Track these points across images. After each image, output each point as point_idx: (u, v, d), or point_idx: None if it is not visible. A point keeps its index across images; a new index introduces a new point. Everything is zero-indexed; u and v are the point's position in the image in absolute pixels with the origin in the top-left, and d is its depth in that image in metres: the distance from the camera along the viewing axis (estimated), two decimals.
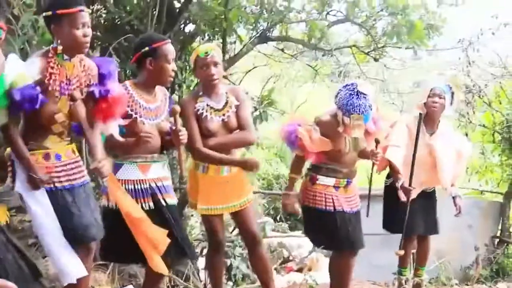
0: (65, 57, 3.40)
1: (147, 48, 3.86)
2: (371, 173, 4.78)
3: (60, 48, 3.36)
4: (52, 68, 3.36)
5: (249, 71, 8.46)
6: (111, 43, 5.68)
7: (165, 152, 4.18)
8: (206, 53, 4.20)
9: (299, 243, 8.69)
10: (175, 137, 3.90)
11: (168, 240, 3.77)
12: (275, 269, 8.46)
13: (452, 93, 5.17)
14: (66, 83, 3.41)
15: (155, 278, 4.04)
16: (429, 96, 5.11)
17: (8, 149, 3.42)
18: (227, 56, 7.41)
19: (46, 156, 3.43)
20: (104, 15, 6.33)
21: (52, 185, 3.40)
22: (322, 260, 8.57)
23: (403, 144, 4.98)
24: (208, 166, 4.32)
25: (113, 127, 3.70)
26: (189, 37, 7.19)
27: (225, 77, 8.18)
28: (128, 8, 6.15)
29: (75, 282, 3.41)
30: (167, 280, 5.51)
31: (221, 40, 7.01)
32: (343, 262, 4.69)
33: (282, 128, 4.59)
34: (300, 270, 8.33)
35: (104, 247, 3.86)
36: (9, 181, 3.40)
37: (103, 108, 3.56)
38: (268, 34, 7.62)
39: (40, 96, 3.26)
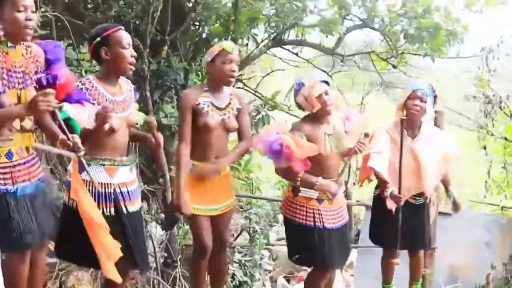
0: (10, 44, 3.29)
1: (99, 38, 3.71)
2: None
3: (1, 34, 3.24)
4: None
5: (267, 75, 8.35)
6: None
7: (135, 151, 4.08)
8: (233, 48, 4.13)
9: None
10: (155, 144, 3.86)
11: (120, 253, 3.62)
12: (286, 278, 8.33)
13: (435, 97, 4.89)
14: (13, 72, 3.29)
15: (112, 285, 3.90)
16: (409, 98, 4.82)
17: None
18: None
19: None
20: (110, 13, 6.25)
21: None
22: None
23: (385, 151, 4.73)
24: (196, 165, 4.21)
25: (87, 120, 3.58)
26: (205, 40, 7.12)
27: (238, 79, 8.14)
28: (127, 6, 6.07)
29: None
30: (152, 282, 5.41)
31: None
32: (315, 279, 4.50)
33: (260, 140, 4.26)
34: None
35: (59, 245, 3.77)
36: None
37: None
38: (282, 38, 7.47)
39: None
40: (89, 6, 6.50)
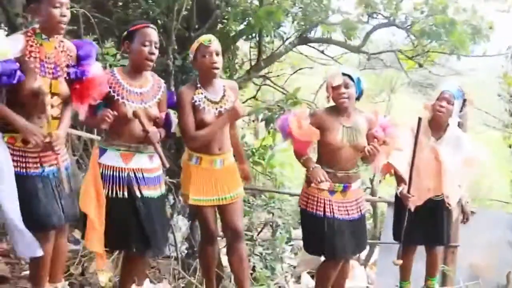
0: (44, 36, 3.52)
1: (125, 33, 3.91)
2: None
3: (37, 27, 3.48)
4: (31, 46, 3.47)
5: (294, 72, 8.44)
6: None
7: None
8: (209, 41, 4.18)
9: None
10: (150, 137, 3.93)
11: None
12: (310, 274, 8.43)
13: (464, 100, 4.87)
14: (46, 62, 3.52)
15: (129, 271, 4.11)
16: (437, 99, 4.86)
17: None
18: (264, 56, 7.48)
19: (25, 140, 3.51)
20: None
21: (23, 170, 3.50)
22: (357, 268, 8.48)
23: (406, 148, 4.77)
24: (201, 158, 4.30)
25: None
26: (232, 36, 7.27)
27: (265, 76, 8.27)
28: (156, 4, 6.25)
29: (40, 254, 3.53)
30: (173, 272, 5.57)
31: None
32: (326, 268, 4.58)
33: (280, 118, 4.52)
34: None
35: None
36: None
37: (77, 89, 3.64)
38: (308, 35, 7.56)
39: (18, 72, 3.37)
40: (119, 3, 6.67)
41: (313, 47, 7.95)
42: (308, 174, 4.37)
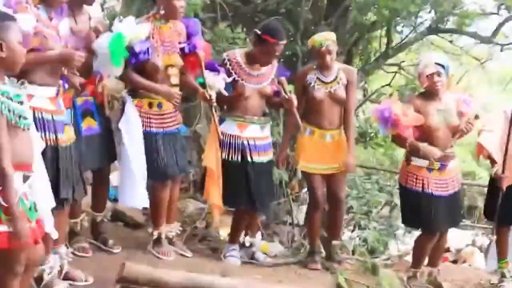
0: (163, 21, 4.32)
1: (259, 32, 4.63)
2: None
3: (161, 13, 4.27)
4: (154, 29, 4.28)
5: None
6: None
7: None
8: (321, 44, 4.79)
9: (460, 235, 8.77)
10: (286, 103, 4.68)
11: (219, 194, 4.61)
12: None
13: None
14: (164, 42, 4.32)
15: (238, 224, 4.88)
16: None
17: (123, 93, 4.41)
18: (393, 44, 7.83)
19: (150, 104, 4.36)
20: None
21: (149, 128, 4.30)
22: (477, 255, 8.57)
23: (498, 129, 5.01)
24: (313, 131, 4.95)
25: (220, 86, 4.54)
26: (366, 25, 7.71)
27: (397, 65, 8.60)
28: None
29: (146, 205, 4.35)
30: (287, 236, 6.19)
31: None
32: (421, 240, 5.02)
33: (376, 109, 4.94)
34: (455, 261, 8.43)
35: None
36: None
37: (192, 61, 4.45)
38: (439, 26, 7.78)
39: (150, 50, 4.19)
40: None
41: (443, 37, 8.15)
42: (421, 154, 4.73)
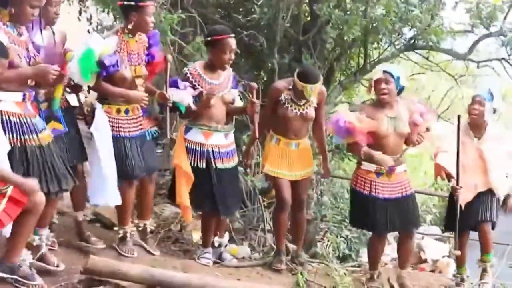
0: (130, 35, 4.66)
1: (209, 38, 4.98)
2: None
3: (129, 28, 4.61)
4: (121, 43, 4.62)
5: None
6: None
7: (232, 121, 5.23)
8: (310, 95, 5.01)
9: (437, 247, 9.00)
10: (250, 106, 5.00)
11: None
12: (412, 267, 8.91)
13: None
14: (131, 54, 4.67)
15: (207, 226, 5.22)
16: (470, 103, 5.40)
17: (87, 100, 4.76)
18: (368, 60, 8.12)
19: (118, 110, 4.68)
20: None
21: (117, 132, 4.63)
22: (452, 266, 8.79)
23: (453, 148, 5.28)
24: (279, 139, 5.25)
25: (189, 101, 4.89)
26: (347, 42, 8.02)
27: None
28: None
29: (118, 203, 4.65)
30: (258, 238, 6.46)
31: None
32: (372, 242, 5.37)
33: (330, 121, 5.24)
34: (432, 272, 8.66)
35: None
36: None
37: (148, 70, 4.83)
38: (415, 42, 8.04)
39: (119, 61, 4.52)
40: (240, 10, 7.71)
41: (419, 54, 8.44)
42: (375, 160, 5.01)
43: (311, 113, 5.19)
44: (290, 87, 5.15)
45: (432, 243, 9.10)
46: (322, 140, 5.44)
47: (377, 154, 4.99)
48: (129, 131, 4.72)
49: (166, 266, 4.63)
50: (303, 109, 5.15)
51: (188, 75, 4.98)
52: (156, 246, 5.50)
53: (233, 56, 5.00)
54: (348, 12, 7.15)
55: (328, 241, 7.02)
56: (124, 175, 4.67)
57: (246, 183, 6.49)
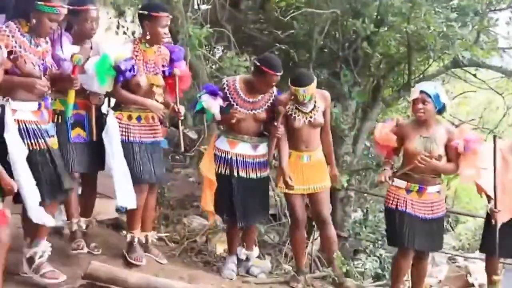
0: (147, 45, 4.77)
1: (262, 67, 4.98)
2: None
3: (146, 38, 4.73)
4: (137, 51, 4.73)
5: (455, 96, 8.72)
6: None
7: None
8: (303, 98, 5.04)
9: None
10: (274, 129, 5.09)
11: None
12: None
13: None
14: (148, 63, 4.77)
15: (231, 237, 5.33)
16: None
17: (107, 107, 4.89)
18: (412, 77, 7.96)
19: (129, 117, 4.78)
20: None
21: (126, 137, 4.72)
22: None
23: (490, 167, 5.05)
24: (290, 153, 5.23)
25: (215, 111, 5.03)
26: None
27: None
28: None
29: (134, 207, 4.70)
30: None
31: None
32: (396, 258, 5.20)
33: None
34: None
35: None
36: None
37: (169, 83, 4.91)
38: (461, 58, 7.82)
39: (135, 67, 4.63)
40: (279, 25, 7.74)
41: (465, 70, 8.21)
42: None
43: (319, 119, 5.20)
44: (293, 97, 5.18)
45: (481, 267, 8.75)
46: (329, 145, 5.41)
47: (385, 170, 5.07)
48: (139, 137, 4.80)
49: (172, 276, 4.68)
50: (310, 116, 5.17)
51: (225, 85, 5.12)
52: (178, 256, 5.63)
53: (274, 90, 5.16)
54: (386, 28, 7.07)
55: (360, 260, 6.89)
56: (133, 180, 4.72)
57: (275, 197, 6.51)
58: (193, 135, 8.25)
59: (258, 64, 5.01)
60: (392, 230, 5.09)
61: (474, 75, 8.23)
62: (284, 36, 7.38)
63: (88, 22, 4.68)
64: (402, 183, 5.02)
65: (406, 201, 4.99)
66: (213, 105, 5.03)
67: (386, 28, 7.22)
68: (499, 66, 7.95)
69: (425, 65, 8.09)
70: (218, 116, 5.09)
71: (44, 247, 4.20)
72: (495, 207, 5.09)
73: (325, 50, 7.70)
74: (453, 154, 4.96)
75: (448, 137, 4.97)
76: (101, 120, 4.80)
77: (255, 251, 5.54)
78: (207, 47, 6.67)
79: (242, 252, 5.39)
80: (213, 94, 5.06)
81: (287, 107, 5.16)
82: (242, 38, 7.18)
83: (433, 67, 8.15)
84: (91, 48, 4.78)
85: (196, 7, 7.33)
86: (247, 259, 5.44)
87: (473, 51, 6.88)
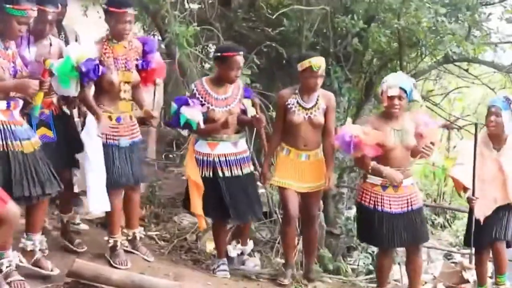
0: (114, 41, 4.73)
1: (218, 54, 5.02)
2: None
3: (109, 34, 4.73)
4: (106, 49, 4.69)
5: (448, 93, 8.70)
6: None
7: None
8: (318, 67, 5.01)
9: None
10: (256, 122, 5.02)
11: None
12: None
13: None
14: (117, 59, 4.72)
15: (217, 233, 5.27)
16: (486, 115, 5.15)
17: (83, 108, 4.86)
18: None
19: (109, 118, 4.72)
20: None
21: (105, 140, 4.66)
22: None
23: (468, 161, 5.12)
24: (290, 150, 5.21)
25: (199, 118, 4.93)
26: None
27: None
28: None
29: (108, 209, 4.69)
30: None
31: None
32: (378, 257, 5.23)
33: (335, 137, 5.06)
34: None
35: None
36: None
37: (143, 76, 4.88)
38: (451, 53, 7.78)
39: (101, 67, 4.57)
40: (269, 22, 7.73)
41: (458, 66, 8.18)
42: (384, 175, 4.88)
43: (319, 118, 5.13)
44: (296, 91, 5.14)
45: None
46: (330, 147, 5.25)
47: (385, 169, 4.87)
48: (118, 139, 4.77)
49: (157, 274, 4.67)
50: (310, 113, 5.11)
51: (195, 91, 5.04)
52: (168, 254, 5.63)
53: (240, 73, 5.06)
54: (376, 25, 7.05)
55: (352, 256, 6.88)
56: (111, 184, 4.71)
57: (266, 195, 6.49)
58: (185, 133, 8.24)
59: (218, 54, 5.01)
60: (370, 230, 5.02)
61: (466, 70, 8.21)
62: (275, 33, 7.39)
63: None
64: (377, 180, 4.93)
65: (383, 199, 4.93)
66: (194, 113, 4.95)
67: (376, 24, 7.20)
68: (490, 61, 7.92)
69: (417, 61, 8.05)
70: (202, 125, 4.97)
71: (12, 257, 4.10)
72: (473, 195, 5.13)
73: (317, 47, 7.68)
74: (419, 140, 4.91)
75: (414, 125, 4.94)
76: (65, 120, 4.81)
77: (250, 244, 5.55)
78: (198, 45, 6.63)
79: (237, 247, 5.39)
80: (186, 103, 4.98)
81: (289, 100, 5.12)
82: (233, 36, 7.18)
83: (424, 63, 8.12)
84: (50, 45, 4.74)
85: (186, 6, 7.31)
86: (242, 253, 5.44)
87: (463, 46, 6.86)
